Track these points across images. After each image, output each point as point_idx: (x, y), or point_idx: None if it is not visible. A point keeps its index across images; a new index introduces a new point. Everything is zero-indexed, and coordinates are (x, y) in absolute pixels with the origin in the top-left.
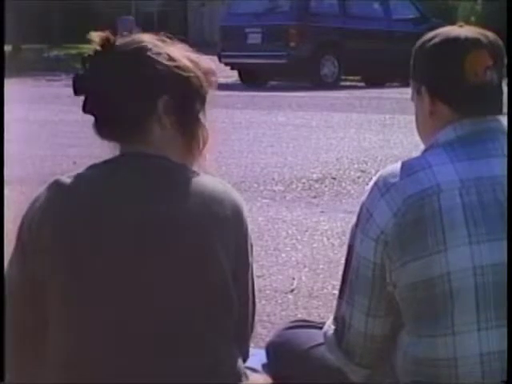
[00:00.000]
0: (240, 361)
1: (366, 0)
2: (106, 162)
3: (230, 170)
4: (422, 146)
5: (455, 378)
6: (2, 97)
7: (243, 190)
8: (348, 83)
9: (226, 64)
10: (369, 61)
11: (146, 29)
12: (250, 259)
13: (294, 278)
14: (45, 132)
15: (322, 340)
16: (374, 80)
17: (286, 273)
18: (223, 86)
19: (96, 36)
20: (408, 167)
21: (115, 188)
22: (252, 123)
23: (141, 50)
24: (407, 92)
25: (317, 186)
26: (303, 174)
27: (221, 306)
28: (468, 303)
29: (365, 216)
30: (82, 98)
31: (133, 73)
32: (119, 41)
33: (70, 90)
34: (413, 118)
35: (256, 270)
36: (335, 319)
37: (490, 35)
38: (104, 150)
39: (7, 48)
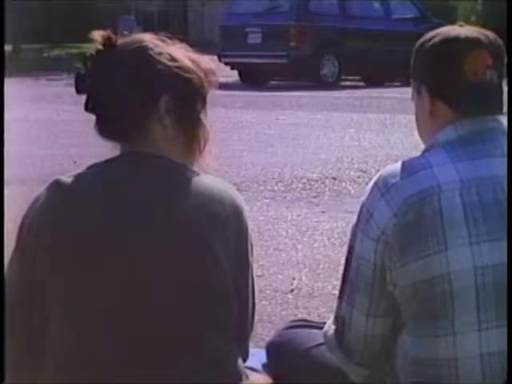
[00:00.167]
0: (240, 361)
1: (365, 0)
2: (106, 162)
3: (230, 169)
4: (422, 146)
5: (455, 378)
6: (2, 97)
7: (243, 189)
8: (348, 83)
9: (226, 64)
10: (369, 61)
11: (146, 28)
12: (250, 259)
13: (294, 278)
14: (45, 132)
15: (322, 340)
16: (374, 80)
17: (286, 273)
18: (223, 86)
19: (98, 35)
20: (408, 167)
21: (115, 188)
22: (252, 123)
23: (142, 50)
24: (407, 92)
25: (317, 185)
26: (303, 174)
27: (221, 306)
28: (468, 303)
29: (365, 216)
30: (83, 98)
31: (134, 72)
32: (120, 40)
33: (71, 90)
34: (413, 117)
35: (256, 270)
36: (335, 319)
37: (490, 35)
38: (105, 150)
39: (7, 48)
